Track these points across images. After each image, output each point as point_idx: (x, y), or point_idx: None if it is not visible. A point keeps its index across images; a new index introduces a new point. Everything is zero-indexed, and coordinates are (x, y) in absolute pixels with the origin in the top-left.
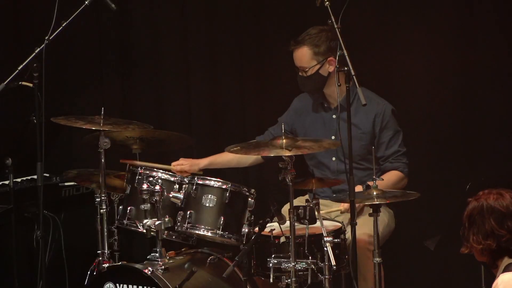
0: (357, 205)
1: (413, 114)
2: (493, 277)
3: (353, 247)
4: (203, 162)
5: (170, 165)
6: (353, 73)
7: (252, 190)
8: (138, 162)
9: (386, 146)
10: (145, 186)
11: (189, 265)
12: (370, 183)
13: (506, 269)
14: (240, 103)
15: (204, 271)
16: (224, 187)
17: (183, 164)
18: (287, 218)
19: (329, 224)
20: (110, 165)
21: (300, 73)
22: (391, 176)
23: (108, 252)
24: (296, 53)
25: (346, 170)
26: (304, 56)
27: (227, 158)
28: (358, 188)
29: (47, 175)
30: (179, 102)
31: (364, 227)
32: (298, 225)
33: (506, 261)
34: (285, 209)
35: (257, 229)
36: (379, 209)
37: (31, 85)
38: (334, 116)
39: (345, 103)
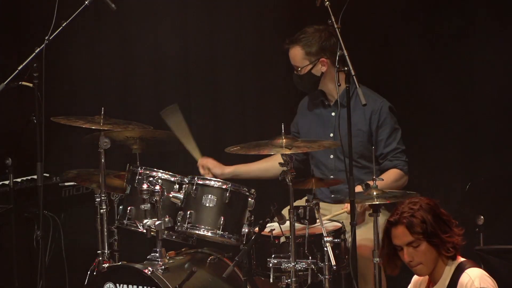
0: (358, 207)
1: (413, 113)
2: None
3: (353, 247)
4: (228, 170)
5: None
6: (353, 73)
7: (252, 190)
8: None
9: (385, 144)
10: (145, 186)
11: (189, 265)
12: (370, 182)
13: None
14: (240, 103)
15: (204, 271)
16: (224, 187)
17: (208, 161)
18: (287, 218)
19: (329, 224)
20: (110, 165)
21: (295, 71)
22: (391, 174)
23: (108, 252)
24: (290, 52)
25: (346, 168)
26: (296, 55)
27: (251, 168)
28: (358, 189)
29: (47, 175)
30: (179, 102)
31: (366, 233)
32: (298, 225)
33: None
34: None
35: (257, 229)
36: (379, 210)
37: (31, 85)
38: (333, 114)
39: (342, 100)
